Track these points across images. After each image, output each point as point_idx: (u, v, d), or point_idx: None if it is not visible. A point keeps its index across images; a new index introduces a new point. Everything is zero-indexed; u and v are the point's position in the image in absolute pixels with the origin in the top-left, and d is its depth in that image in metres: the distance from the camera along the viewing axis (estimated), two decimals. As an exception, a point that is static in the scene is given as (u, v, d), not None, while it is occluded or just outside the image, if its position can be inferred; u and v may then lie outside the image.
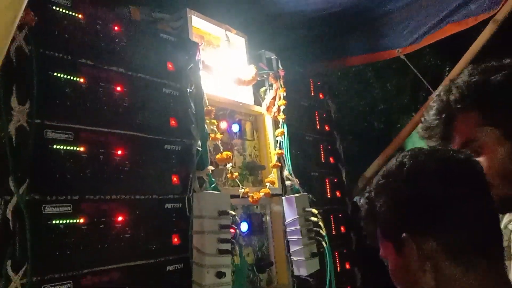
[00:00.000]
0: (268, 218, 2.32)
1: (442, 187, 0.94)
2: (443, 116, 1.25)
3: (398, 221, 0.97)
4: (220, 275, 1.64)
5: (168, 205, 1.69)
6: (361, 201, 1.10)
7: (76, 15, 1.52)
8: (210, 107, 1.91)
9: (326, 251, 2.20)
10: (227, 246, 1.70)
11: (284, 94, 2.39)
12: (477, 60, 2.97)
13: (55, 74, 1.41)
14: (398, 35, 3.05)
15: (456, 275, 0.92)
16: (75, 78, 1.46)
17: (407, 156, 1.00)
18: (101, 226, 1.44)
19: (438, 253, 0.93)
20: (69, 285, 1.32)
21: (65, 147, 1.38)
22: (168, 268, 1.63)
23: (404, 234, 0.95)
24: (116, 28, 1.64)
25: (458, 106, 1.22)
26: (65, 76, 1.44)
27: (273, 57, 2.47)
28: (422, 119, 1.33)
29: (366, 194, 1.07)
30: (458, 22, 2.78)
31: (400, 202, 0.97)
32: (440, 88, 1.29)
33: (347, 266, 2.73)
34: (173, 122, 1.78)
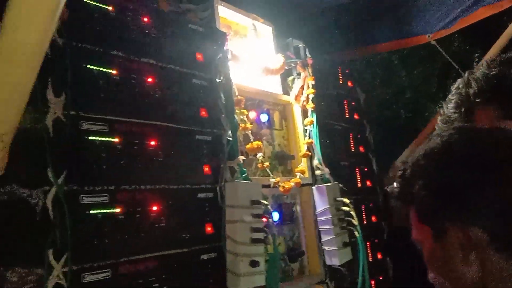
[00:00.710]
0: (298, 207, 2.30)
1: (492, 171, 0.87)
2: (462, 109, 1.23)
3: (440, 206, 0.92)
4: (254, 264, 1.64)
5: (201, 195, 1.70)
6: (395, 181, 1.04)
7: (107, 7, 1.53)
8: (239, 97, 1.90)
9: (359, 241, 2.17)
10: (259, 235, 1.70)
11: (313, 83, 2.36)
12: (510, 47, 2.87)
13: (88, 66, 1.43)
14: (428, 20, 2.96)
15: (505, 267, 0.86)
16: (107, 70, 1.48)
17: (454, 136, 0.92)
18: (137, 216, 1.45)
19: (485, 244, 0.87)
20: (108, 273, 1.35)
21: (100, 138, 1.40)
22: (202, 257, 1.64)
23: (447, 222, 0.90)
24: (145, 19, 1.64)
25: (478, 100, 1.19)
26: (98, 68, 1.45)
27: (301, 45, 2.44)
28: (441, 111, 1.31)
29: (400, 173, 1.01)
30: (491, 4, 2.67)
31: (444, 186, 0.91)
32: (459, 80, 1.27)
33: (379, 256, 2.69)
34: (203, 112, 1.78)
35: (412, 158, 0.97)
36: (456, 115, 1.24)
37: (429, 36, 3.00)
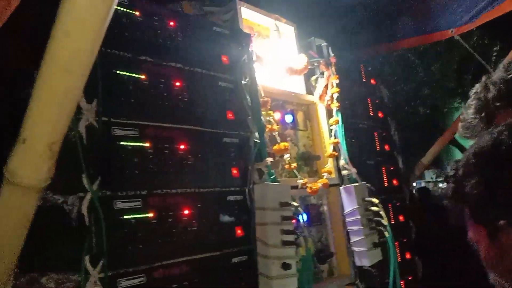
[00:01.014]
0: (325, 208, 2.28)
1: None
2: (482, 114, 1.22)
3: (494, 205, 0.89)
4: (286, 266, 1.62)
5: (230, 198, 1.69)
6: (448, 180, 1.02)
7: (134, 12, 1.53)
8: (266, 98, 1.89)
9: (389, 241, 2.14)
10: (290, 238, 1.68)
11: (337, 82, 2.33)
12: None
13: (118, 72, 1.43)
14: (451, 15, 2.90)
15: None
16: (137, 75, 1.48)
17: (505, 133, 0.89)
18: (169, 220, 1.45)
19: None
20: (143, 278, 1.35)
21: (132, 143, 1.40)
22: (233, 260, 1.63)
23: (501, 221, 0.87)
24: (171, 23, 1.64)
25: (497, 103, 1.19)
26: (128, 74, 1.46)
27: (324, 44, 2.41)
28: (461, 117, 1.30)
29: (452, 172, 0.99)
30: (518, -4, 2.60)
31: (496, 185, 0.89)
32: (477, 86, 1.26)
33: (408, 256, 2.65)
34: (230, 115, 1.77)
35: (463, 157, 0.95)
36: (476, 120, 1.25)
37: (452, 31, 2.94)
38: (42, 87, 0.95)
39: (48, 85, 0.95)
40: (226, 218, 1.65)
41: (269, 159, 1.81)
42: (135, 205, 1.37)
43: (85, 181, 1.26)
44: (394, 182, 2.71)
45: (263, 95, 1.89)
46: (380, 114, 2.79)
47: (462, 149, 5.92)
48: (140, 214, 1.38)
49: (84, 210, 1.26)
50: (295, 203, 1.72)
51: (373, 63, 2.91)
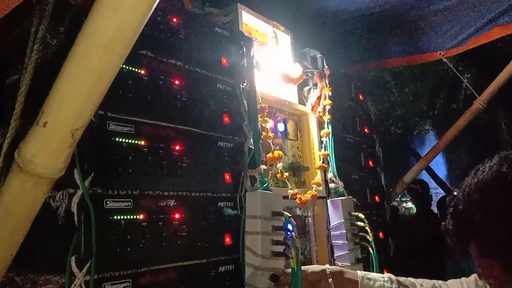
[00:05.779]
0: (310, 220, 2.25)
1: None
2: None
3: (505, 238, 0.88)
4: (274, 278, 1.57)
5: (221, 204, 1.63)
6: (447, 215, 1.01)
7: (137, 4, 1.46)
8: (263, 105, 1.85)
9: (373, 257, 2.12)
10: (281, 249, 1.64)
11: (330, 94, 2.32)
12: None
13: (118, 64, 1.36)
14: (441, 37, 2.97)
15: None
16: (136, 70, 1.41)
17: (505, 165, 0.89)
18: (159, 223, 1.38)
19: None
20: (128, 283, 1.27)
21: (126, 140, 1.33)
22: (220, 268, 1.57)
23: None
24: (174, 20, 1.59)
25: None
26: (127, 67, 1.39)
27: (318, 55, 2.40)
28: None
29: (451, 210, 0.98)
30: (506, 25, 2.69)
31: (505, 217, 0.87)
32: None
33: (385, 273, 2.64)
34: (226, 118, 1.73)
35: (461, 193, 0.94)
36: None
37: (440, 54, 3.01)
38: (76, 66, 0.86)
39: (83, 64, 0.86)
40: (216, 225, 1.59)
41: (263, 167, 1.76)
42: (125, 206, 1.30)
43: (77, 177, 1.18)
44: (376, 198, 2.72)
45: (260, 101, 1.85)
46: (366, 130, 2.80)
47: (433, 175, 6.04)
48: (130, 215, 1.30)
49: (74, 208, 1.17)
50: (287, 213, 1.68)
51: (361, 79, 2.93)
